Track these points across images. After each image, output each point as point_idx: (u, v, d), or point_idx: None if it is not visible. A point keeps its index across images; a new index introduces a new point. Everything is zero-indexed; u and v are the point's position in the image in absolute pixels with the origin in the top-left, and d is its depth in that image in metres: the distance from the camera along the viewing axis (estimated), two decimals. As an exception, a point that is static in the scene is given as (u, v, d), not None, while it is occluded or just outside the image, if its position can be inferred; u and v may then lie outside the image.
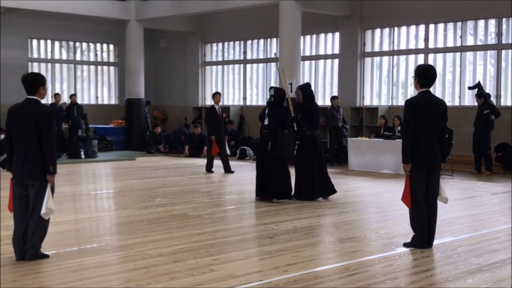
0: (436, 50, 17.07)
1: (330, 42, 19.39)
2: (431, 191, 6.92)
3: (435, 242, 7.03)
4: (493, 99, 15.30)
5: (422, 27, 17.27)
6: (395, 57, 18.06)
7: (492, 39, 16.15)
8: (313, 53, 19.73)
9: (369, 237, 7.61)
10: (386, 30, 18.01)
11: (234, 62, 22.13)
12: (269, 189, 10.23)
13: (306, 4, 17.02)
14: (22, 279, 5.67)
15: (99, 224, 8.56)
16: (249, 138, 19.96)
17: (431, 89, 7.02)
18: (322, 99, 19.61)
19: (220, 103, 15.17)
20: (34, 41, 21.97)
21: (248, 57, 21.45)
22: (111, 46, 23.91)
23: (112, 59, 23.98)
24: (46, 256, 6.37)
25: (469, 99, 16.49)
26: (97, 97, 23.64)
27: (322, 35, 19.53)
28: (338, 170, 15.42)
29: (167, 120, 23.33)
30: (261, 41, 21.10)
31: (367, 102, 18.41)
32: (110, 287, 5.45)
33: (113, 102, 23.99)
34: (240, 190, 11.77)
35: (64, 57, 22.80)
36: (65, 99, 20.57)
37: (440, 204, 7.08)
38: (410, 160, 6.83)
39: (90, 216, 9.10)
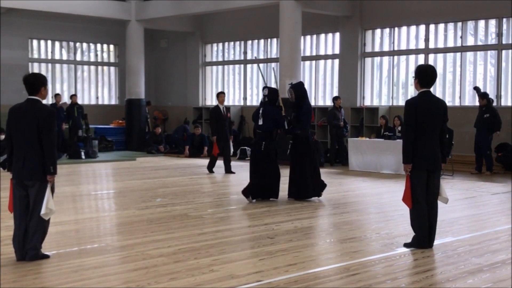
0: (437, 50, 17.07)
1: (331, 42, 19.40)
2: (432, 192, 6.91)
3: (436, 242, 7.02)
4: (493, 99, 15.28)
5: (422, 27, 17.27)
6: (396, 57, 18.06)
7: (492, 39, 16.15)
8: (313, 54, 19.73)
9: (370, 237, 7.61)
10: (387, 30, 18.01)
11: (234, 62, 22.13)
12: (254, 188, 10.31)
13: (306, 4, 17.03)
14: (22, 280, 5.67)
15: (99, 224, 8.56)
16: (249, 138, 19.92)
17: (431, 89, 7.02)
18: (323, 99, 19.62)
19: (221, 103, 15.16)
20: (35, 42, 21.98)
21: (249, 57, 21.46)
22: (112, 47, 23.92)
23: (112, 60, 23.98)
24: (47, 257, 6.37)
25: (470, 99, 16.49)
26: (97, 98, 23.65)
27: (322, 35, 19.53)
28: (338, 170, 15.42)
29: (168, 121, 23.34)
30: (261, 41, 21.10)
31: (367, 102, 18.41)
32: (111, 288, 5.47)
33: (113, 102, 24.00)
34: (241, 191, 11.74)
35: (65, 57, 22.81)
36: (66, 99, 20.58)
37: (440, 204, 7.07)
38: (410, 161, 6.82)
39: (90, 217, 9.09)
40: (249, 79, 21.69)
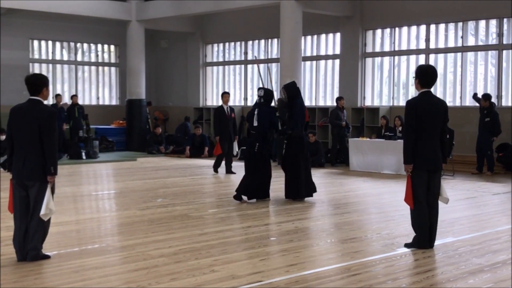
0: (437, 51, 17.07)
1: (331, 43, 19.39)
2: (432, 192, 6.91)
3: (436, 242, 7.02)
4: (494, 99, 15.27)
5: (423, 28, 17.26)
6: (396, 57, 18.05)
7: (493, 40, 16.14)
8: (314, 54, 19.72)
9: (370, 237, 7.61)
10: (387, 30, 18.01)
11: (235, 62, 22.13)
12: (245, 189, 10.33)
13: (307, 4, 17.02)
14: (23, 280, 5.67)
15: (100, 224, 8.56)
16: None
17: (432, 90, 7.02)
18: (323, 100, 19.62)
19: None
20: (35, 42, 21.99)
21: (249, 57, 21.45)
22: (112, 47, 23.92)
23: (113, 60, 23.98)
24: (48, 257, 6.38)
25: (470, 100, 16.46)
26: (98, 98, 23.65)
27: (323, 36, 19.53)
28: (339, 170, 15.42)
29: (168, 121, 23.34)
30: (262, 41, 21.10)
31: (368, 103, 18.41)
32: (112, 288, 5.47)
33: (114, 102, 24.00)
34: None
35: (65, 58, 22.81)
36: (66, 100, 20.59)
37: (441, 204, 7.08)
38: (411, 161, 6.82)
39: (91, 217, 9.10)
40: (250, 79, 21.68)
